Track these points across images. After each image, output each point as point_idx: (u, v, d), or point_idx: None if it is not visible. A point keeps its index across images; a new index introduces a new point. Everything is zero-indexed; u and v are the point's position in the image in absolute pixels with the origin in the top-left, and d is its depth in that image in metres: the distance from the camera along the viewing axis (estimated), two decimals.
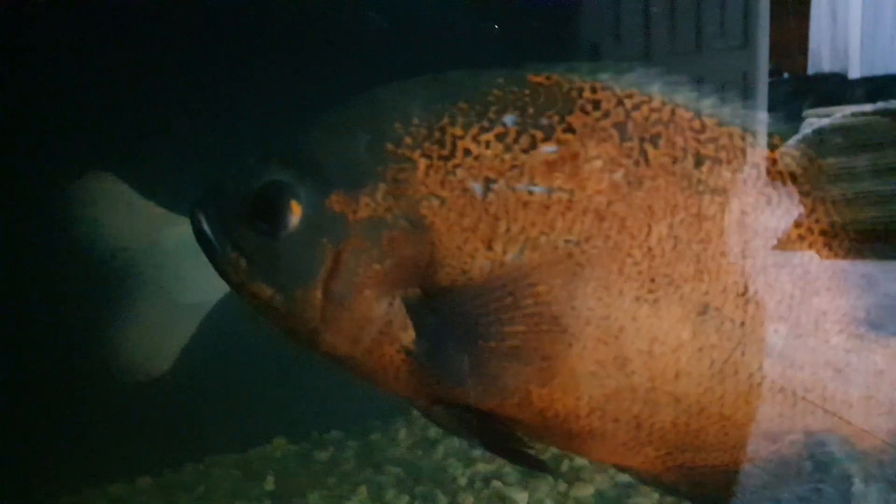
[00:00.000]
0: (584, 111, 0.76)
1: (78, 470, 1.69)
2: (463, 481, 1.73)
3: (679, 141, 0.77)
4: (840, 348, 0.86)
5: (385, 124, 0.76)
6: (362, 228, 0.76)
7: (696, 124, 0.78)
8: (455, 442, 1.85)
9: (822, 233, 0.83)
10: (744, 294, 0.80)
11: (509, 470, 1.73)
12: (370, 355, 0.79)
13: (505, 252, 0.76)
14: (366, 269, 0.77)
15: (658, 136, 0.77)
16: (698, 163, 0.78)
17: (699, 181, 0.78)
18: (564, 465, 1.66)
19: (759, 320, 0.81)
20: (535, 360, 0.79)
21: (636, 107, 0.77)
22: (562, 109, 0.76)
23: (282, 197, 0.76)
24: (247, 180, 0.76)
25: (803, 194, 0.82)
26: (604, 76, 0.77)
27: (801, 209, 0.82)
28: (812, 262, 0.83)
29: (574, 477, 1.66)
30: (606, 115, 0.77)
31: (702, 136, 0.78)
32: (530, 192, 0.76)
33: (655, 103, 0.78)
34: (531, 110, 0.76)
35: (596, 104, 0.77)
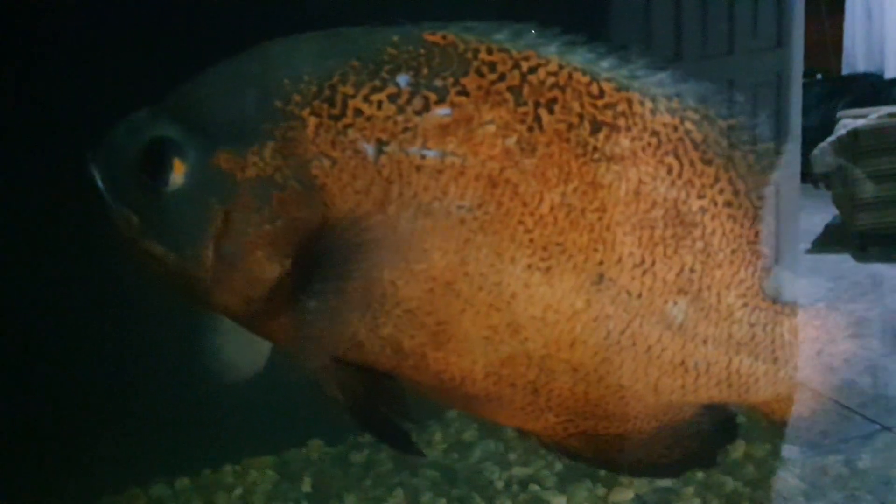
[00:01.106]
0: (478, 73, 0.75)
1: (118, 470, 1.72)
2: (500, 485, 1.72)
3: (575, 106, 0.76)
4: (744, 321, 0.86)
5: (274, 80, 0.74)
6: (251, 188, 0.75)
7: (594, 89, 0.77)
8: (491, 445, 1.84)
9: (727, 204, 0.83)
10: (640, 265, 0.79)
11: (547, 473, 1.73)
12: (265, 315, 0.78)
13: (398, 216, 0.75)
14: (256, 230, 0.75)
15: (553, 101, 0.76)
16: (595, 130, 0.77)
17: (595, 148, 0.77)
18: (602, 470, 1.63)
19: (656, 292, 0.81)
20: (429, 323, 0.78)
21: (532, 70, 0.76)
22: (456, 71, 0.75)
23: (166, 154, 0.74)
24: (134, 135, 0.74)
25: (705, 163, 0.81)
26: (500, 37, 0.76)
27: (704, 179, 0.82)
28: (715, 233, 0.83)
29: (613, 481, 1.64)
30: (501, 77, 0.75)
31: (599, 102, 0.77)
32: (423, 157, 0.75)
33: (552, 66, 0.76)
34: (425, 71, 0.75)
35: (491, 66, 0.75)
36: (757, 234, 0.85)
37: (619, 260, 0.78)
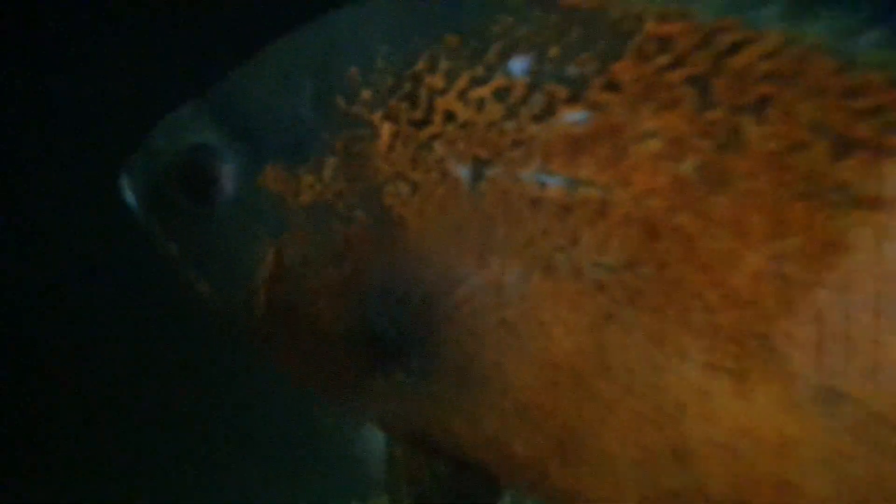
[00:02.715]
0: (640, 56, 0.47)
1: None
2: None
3: (806, 112, 0.45)
4: None
5: (337, 68, 0.52)
6: (307, 217, 0.54)
7: (846, 83, 0.45)
8: None
9: None
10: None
11: None
12: (333, 377, 0.58)
13: (504, 272, 0.50)
14: (315, 273, 0.54)
15: (767, 101, 0.45)
16: (840, 153, 0.45)
17: (838, 185, 0.45)
18: None
19: None
20: (552, 428, 0.52)
21: (733, 48, 0.46)
22: (605, 52, 0.47)
23: (207, 165, 0.55)
24: (171, 140, 0.56)
25: None
26: None
27: None
28: None
29: None
30: (678, 62, 0.46)
31: (853, 106, 0.45)
32: (543, 185, 0.48)
33: (770, 43, 0.46)
34: (555, 51, 0.48)
35: (663, 44, 0.46)
36: None
37: (868, 369, 0.46)
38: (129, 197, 0.58)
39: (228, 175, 0.54)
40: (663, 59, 0.46)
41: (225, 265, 0.56)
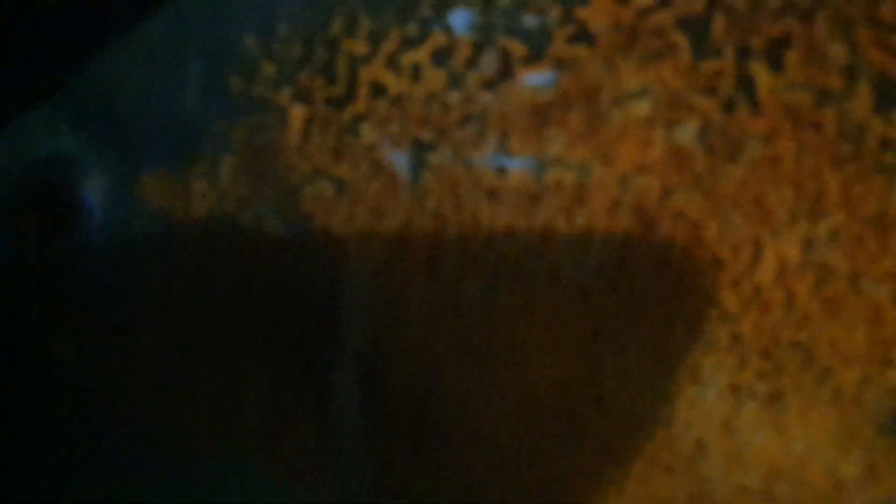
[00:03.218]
0: None
1: None
2: None
3: (834, 52, 0.35)
4: None
5: (227, 40, 0.40)
6: (202, 236, 0.42)
7: (884, 11, 0.35)
8: None
9: None
10: None
11: None
12: (235, 429, 0.46)
13: (461, 284, 0.39)
14: (218, 311, 0.43)
15: (783, 42, 0.35)
16: (887, 102, 0.35)
17: (886, 143, 0.35)
18: None
19: None
20: (529, 482, 0.41)
21: None
22: None
23: (65, 181, 0.43)
24: (17, 153, 0.44)
25: None
26: None
27: None
28: None
29: None
30: (665, 1, 0.36)
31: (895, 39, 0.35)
32: (502, 170, 0.37)
33: None
34: None
35: None
36: None
37: None
38: None
39: (95, 191, 0.43)
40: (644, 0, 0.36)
41: (101, 312, 0.44)
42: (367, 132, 0.38)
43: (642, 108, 0.36)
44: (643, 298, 0.37)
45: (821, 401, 0.36)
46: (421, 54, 0.37)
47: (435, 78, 0.37)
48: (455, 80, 0.37)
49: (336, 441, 0.43)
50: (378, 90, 0.38)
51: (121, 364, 0.45)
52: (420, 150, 0.38)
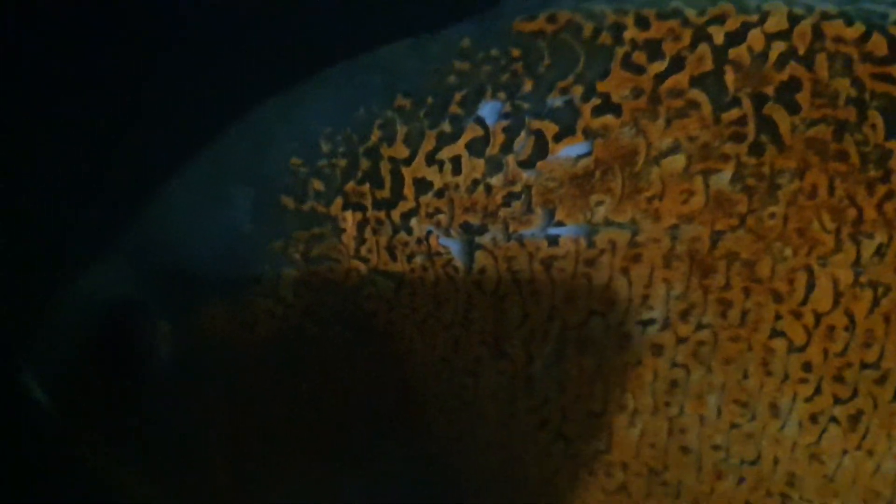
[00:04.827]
0: (629, 67, 0.39)
1: None
2: None
3: (842, 88, 0.38)
4: None
5: (273, 165, 0.43)
6: (271, 354, 0.43)
7: (876, 46, 0.38)
8: None
9: None
10: None
11: None
12: None
13: (531, 358, 0.40)
14: (299, 431, 0.43)
15: (793, 86, 0.38)
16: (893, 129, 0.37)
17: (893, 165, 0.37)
18: None
19: None
20: None
21: (735, 37, 0.39)
22: (587, 72, 0.39)
23: (131, 326, 0.44)
24: (82, 304, 0.46)
25: None
26: None
27: None
28: None
29: None
30: (676, 65, 0.39)
31: (891, 70, 0.38)
32: (555, 239, 0.39)
33: (774, 22, 0.39)
34: (528, 85, 0.40)
35: (652, 49, 0.39)
36: None
37: None
38: (38, 392, 0.46)
39: (161, 331, 0.44)
40: (658, 66, 0.39)
41: (173, 450, 0.45)
42: (418, 226, 0.40)
43: (677, 162, 0.38)
44: (713, 342, 0.38)
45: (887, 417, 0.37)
46: (458, 147, 0.40)
47: (475, 166, 0.40)
48: (495, 165, 0.40)
49: None
50: (422, 186, 0.40)
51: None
52: (471, 233, 0.40)
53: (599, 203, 0.38)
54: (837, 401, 0.37)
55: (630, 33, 0.39)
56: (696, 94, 0.38)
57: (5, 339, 0.50)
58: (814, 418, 0.38)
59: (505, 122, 0.40)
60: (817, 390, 0.37)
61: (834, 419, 0.38)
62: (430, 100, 0.41)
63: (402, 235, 0.41)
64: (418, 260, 0.40)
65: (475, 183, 0.40)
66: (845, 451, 0.38)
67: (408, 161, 0.41)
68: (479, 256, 0.40)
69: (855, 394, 0.37)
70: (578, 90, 0.39)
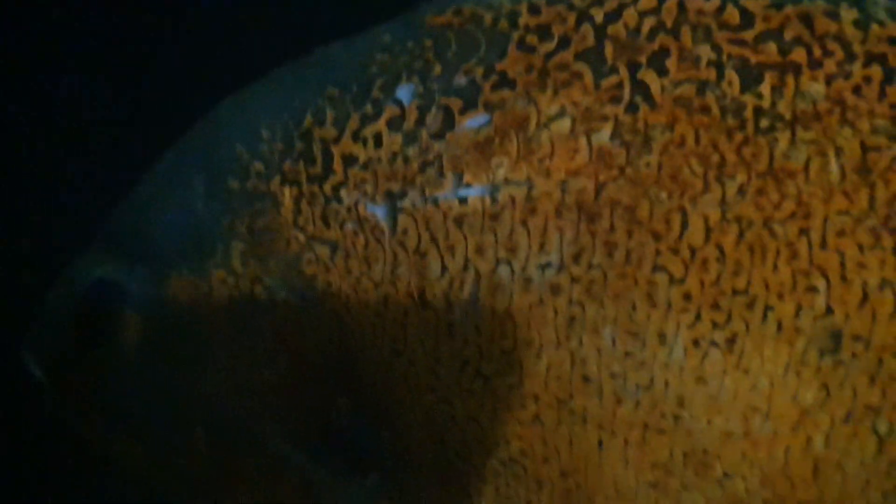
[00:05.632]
0: (523, 47, 0.45)
1: None
2: None
3: (703, 53, 0.43)
4: None
5: (222, 153, 0.49)
6: (227, 318, 0.49)
7: (731, 16, 0.44)
8: None
9: None
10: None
11: None
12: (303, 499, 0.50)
13: (451, 306, 0.45)
14: (255, 384, 0.49)
15: (663, 53, 0.44)
16: (750, 81, 0.43)
17: (761, 111, 0.43)
18: None
19: None
20: (551, 478, 0.45)
21: (612, 14, 0.45)
22: (487, 55, 0.45)
23: (105, 303, 0.50)
24: (66, 290, 0.52)
25: None
26: None
27: None
28: None
29: None
30: (563, 43, 0.45)
31: (746, 35, 0.43)
32: (464, 200, 0.45)
33: (646, 1, 0.45)
34: (438, 69, 0.46)
35: (542, 31, 0.45)
36: None
37: (865, 298, 0.42)
38: (37, 371, 0.52)
39: (132, 305, 0.50)
40: (548, 45, 0.45)
41: (154, 408, 0.50)
42: (347, 196, 0.46)
43: (564, 124, 0.44)
44: (603, 280, 0.43)
45: (765, 335, 0.42)
46: (379, 125, 0.46)
47: (393, 140, 0.46)
48: (410, 138, 0.45)
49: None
50: (350, 160, 0.46)
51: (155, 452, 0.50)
52: (393, 199, 0.46)
53: (499, 165, 0.44)
54: (715, 326, 0.42)
55: (524, 19, 0.45)
56: (580, 66, 0.44)
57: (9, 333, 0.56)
58: (696, 343, 0.43)
59: (418, 102, 0.46)
60: (697, 318, 0.42)
61: (714, 343, 0.42)
62: (354, 88, 0.47)
63: (334, 205, 0.46)
64: (349, 226, 0.46)
65: (394, 155, 0.46)
66: (725, 372, 0.43)
67: (336, 140, 0.47)
68: (402, 219, 0.45)
69: (730, 319, 0.42)
70: (480, 70, 0.45)
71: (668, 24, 0.44)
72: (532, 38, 0.45)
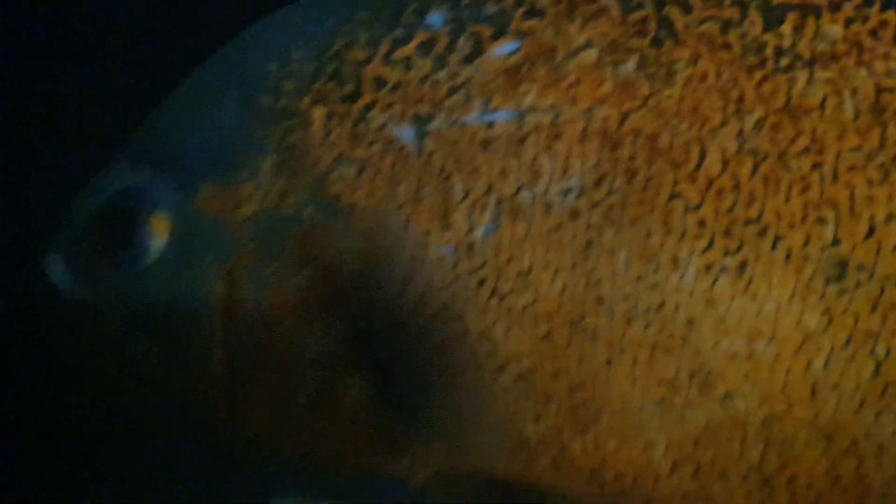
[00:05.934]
0: None
1: None
2: None
3: None
4: None
5: (254, 72, 0.50)
6: (254, 230, 0.50)
7: None
8: None
9: None
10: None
11: None
12: (311, 421, 0.52)
13: (472, 228, 0.47)
14: (278, 294, 0.50)
15: None
16: (773, 20, 0.45)
17: (781, 50, 0.45)
18: None
19: None
20: (559, 393, 0.48)
21: None
22: None
23: (134, 210, 0.51)
24: (94, 199, 0.53)
25: None
26: None
27: None
28: None
29: None
30: None
31: None
32: (489, 125, 0.46)
33: None
34: None
35: None
36: None
37: (871, 231, 0.44)
38: (60, 275, 0.54)
39: (161, 213, 0.51)
40: None
41: (175, 315, 0.52)
42: (375, 117, 0.48)
43: (590, 55, 0.45)
44: (621, 205, 0.45)
45: (774, 263, 0.44)
46: (409, 49, 0.47)
47: (423, 64, 0.47)
48: (440, 63, 0.47)
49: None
50: (379, 82, 0.48)
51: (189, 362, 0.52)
52: (420, 122, 0.47)
53: (527, 92, 0.46)
54: (727, 252, 0.45)
55: None
56: (607, 1, 0.46)
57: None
58: (708, 268, 0.45)
59: (449, 28, 0.47)
60: (710, 244, 0.45)
61: (724, 268, 0.45)
62: (386, 12, 0.48)
63: (362, 126, 0.48)
64: (377, 147, 0.48)
65: (424, 79, 0.47)
66: (734, 296, 0.45)
67: (367, 62, 0.48)
68: (428, 142, 0.47)
69: (741, 246, 0.44)
70: (510, 0, 0.47)
71: None
72: None
